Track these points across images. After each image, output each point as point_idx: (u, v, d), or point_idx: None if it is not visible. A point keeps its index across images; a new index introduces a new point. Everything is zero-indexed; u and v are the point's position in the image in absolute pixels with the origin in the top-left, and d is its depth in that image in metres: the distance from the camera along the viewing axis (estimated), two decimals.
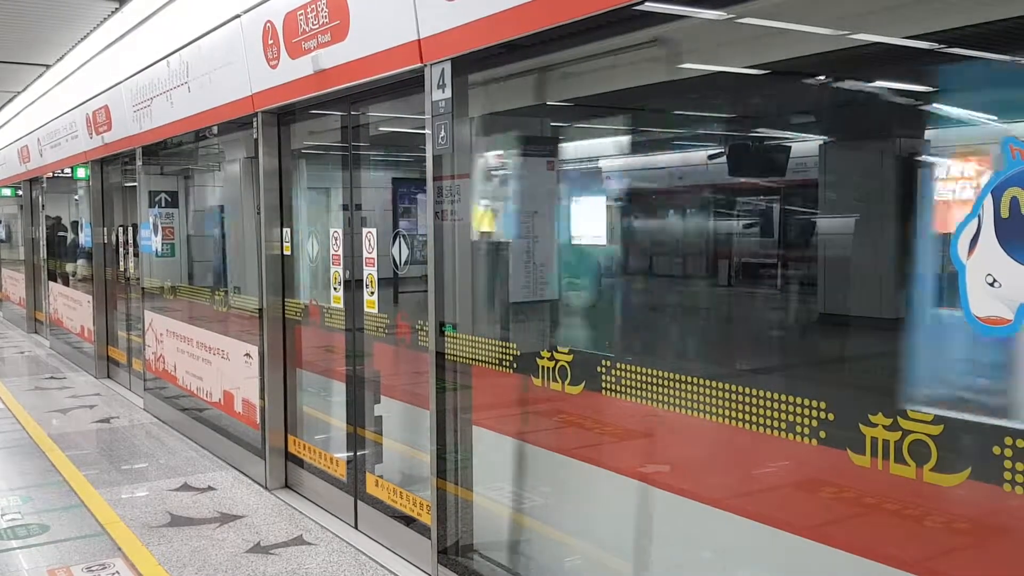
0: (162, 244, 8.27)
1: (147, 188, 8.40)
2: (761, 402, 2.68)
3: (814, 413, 2.53)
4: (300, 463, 5.71)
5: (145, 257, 8.52)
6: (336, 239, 5.21)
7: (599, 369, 3.26)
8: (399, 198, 5.80)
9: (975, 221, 2.13)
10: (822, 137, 3.59)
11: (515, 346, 3.74)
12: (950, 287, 2.18)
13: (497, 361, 3.79)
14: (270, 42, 5.20)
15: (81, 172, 10.48)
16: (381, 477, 4.85)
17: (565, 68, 3.83)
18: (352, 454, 5.19)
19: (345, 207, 5.24)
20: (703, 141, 4.58)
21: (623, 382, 3.16)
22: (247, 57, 5.51)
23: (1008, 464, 2.05)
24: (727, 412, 2.79)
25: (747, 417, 2.72)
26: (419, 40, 3.91)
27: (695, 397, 2.90)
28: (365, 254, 4.87)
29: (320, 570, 4.41)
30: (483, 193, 4.23)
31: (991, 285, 2.09)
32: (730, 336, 4.16)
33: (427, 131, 4.00)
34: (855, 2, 2.72)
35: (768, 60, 3.16)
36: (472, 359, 3.94)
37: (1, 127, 14.75)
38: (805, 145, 3.68)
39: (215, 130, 6.80)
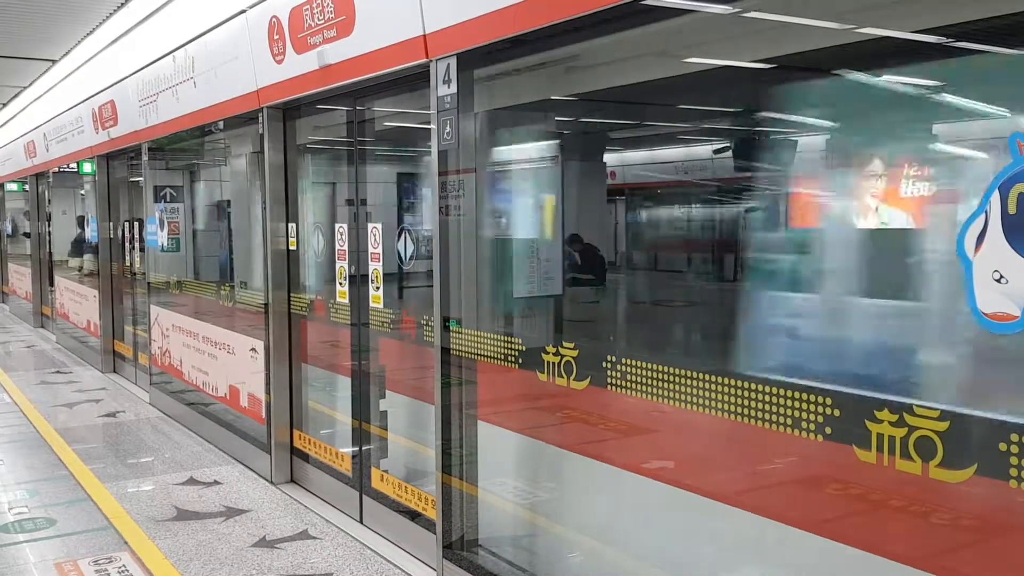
0: (167, 239, 8.28)
1: (153, 183, 8.41)
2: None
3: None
4: (305, 458, 5.72)
5: (151, 252, 8.54)
6: (341, 234, 5.21)
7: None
8: (404, 193, 5.81)
9: (982, 217, 2.12)
10: None
11: (520, 341, 3.74)
12: None
13: (502, 356, 3.79)
14: (275, 37, 5.20)
15: (87, 167, 10.49)
16: (386, 472, 4.86)
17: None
18: (357, 449, 5.20)
19: (350, 202, 5.24)
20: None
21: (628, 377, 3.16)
22: (252, 52, 5.51)
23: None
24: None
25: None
26: (424, 35, 3.91)
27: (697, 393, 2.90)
28: (371, 249, 4.87)
29: (325, 564, 4.42)
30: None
31: (998, 281, 2.08)
32: None
33: (432, 126, 4.00)
34: None
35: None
36: (477, 354, 3.94)
37: (7, 122, 14.78)
38: None
39: (221, 125, 6.80)
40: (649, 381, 3.08)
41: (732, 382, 2.78)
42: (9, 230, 17.91)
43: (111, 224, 10.26)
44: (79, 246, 11.90)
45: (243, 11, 5.51)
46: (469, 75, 3.87)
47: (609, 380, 3.26)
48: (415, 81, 4.19)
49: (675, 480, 3.28)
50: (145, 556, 4.52)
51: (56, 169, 12.51)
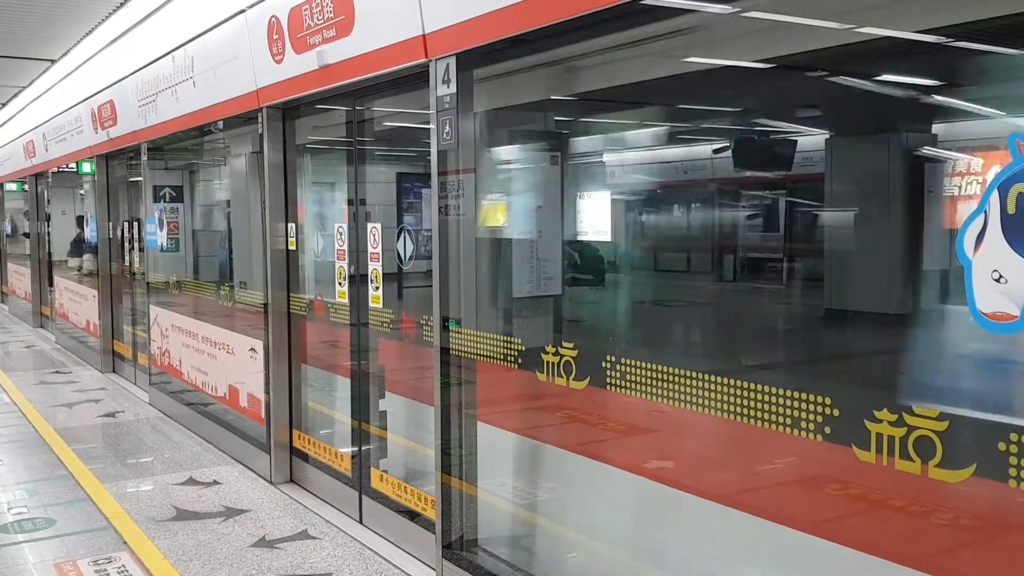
0: (167, 239, 8.28)
1: (152, 183, 8.41)
2: None
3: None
4: (305, 458, 5.72)
5: (150, 252, 8.54)
6: (341, 234, 5.21)
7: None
8: (403, 193, 5.81)
9: (981, 216, 2.12)
10: None
11: (519, 341, 3.74)
12: None
13: (502, 356, 3.79)
14: (275, 37, 5.20)
15: (86, 167, 10.49)
16: (386, 472, 4.86)
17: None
18: (356, 449, 5.20)
19: (350, 202, 5.24)
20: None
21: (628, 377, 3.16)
22: (252, 52, 5.51)
23: None
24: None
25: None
26: (424, 35, 3.91)
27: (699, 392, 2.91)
28: (370, 249, 4.87)
29: (325, 564, 4.42)
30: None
31: (997, 281, 2.09)
32: None
33: (432, 126, 4.00)
34: None
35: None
36: (476, 354, 3.94)
37: (7, 122, 14.78)
38: None
39: (220, 125, 6.80)
40: None
41: None
42: (8, 230, 17.91)
43: (110, 224, 10.25)
44: (78, 246, 11.90)
45: (242, 11, 5.51)
46: (468, 75, 3.87)
47: None
48: (414, 81, 4.19)
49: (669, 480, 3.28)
50: (144, 556, 4.52)
51: (55, 169, 12.50)
